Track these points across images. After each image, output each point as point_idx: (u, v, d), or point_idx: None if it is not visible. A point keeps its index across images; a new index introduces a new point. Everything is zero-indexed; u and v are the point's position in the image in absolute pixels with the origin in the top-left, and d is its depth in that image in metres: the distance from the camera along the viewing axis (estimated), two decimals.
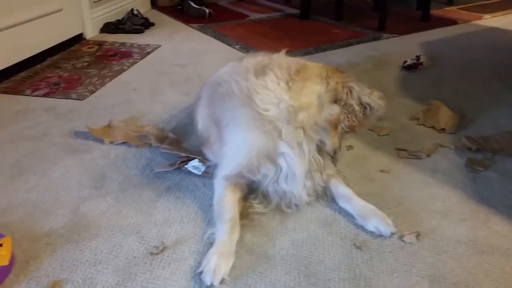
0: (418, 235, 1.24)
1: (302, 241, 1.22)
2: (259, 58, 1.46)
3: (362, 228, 1.27)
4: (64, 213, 1.34)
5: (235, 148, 1.33)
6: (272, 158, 1.29)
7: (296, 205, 1.33)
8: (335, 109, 1.30)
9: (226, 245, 1.16)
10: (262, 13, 3.95)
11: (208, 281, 1.08)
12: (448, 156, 1.64)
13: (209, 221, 1.29)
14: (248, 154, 1.28)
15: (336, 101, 1.31)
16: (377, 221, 1.25)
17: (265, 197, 1.36)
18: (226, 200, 1.28)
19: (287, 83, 1.32)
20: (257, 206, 1.33)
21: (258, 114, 1.28)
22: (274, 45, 2.97)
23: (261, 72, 1.35)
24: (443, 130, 1.81)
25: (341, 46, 2.97)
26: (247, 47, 2.91)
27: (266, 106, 1.28)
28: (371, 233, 1.25)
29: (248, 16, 3.84)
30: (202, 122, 1.56)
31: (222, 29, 3.37)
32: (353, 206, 1.32)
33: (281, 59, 1.41)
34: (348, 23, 3.59)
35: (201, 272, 1.10)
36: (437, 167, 1.57)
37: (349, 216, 1.32)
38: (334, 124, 1.30)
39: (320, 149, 1.34)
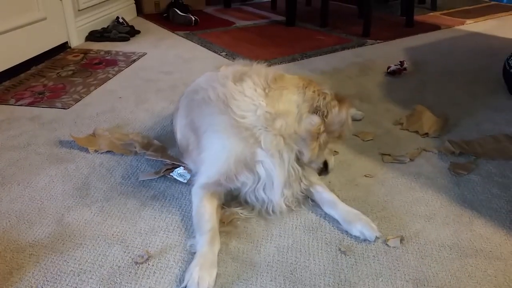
0: (402, 239, 1.25)
1: (287, 247, 1.23)
2: (237, 67, 1.47)
3: (347, 233, 1.28)
4: (49, 223, 1.33)
5: (213, 155, 1.33)
6: (249, 166, 1.29)
7: (277, 212, 1.34)
8: (315, 119, 1.31)
9: (207, 256, 1.14)
10: (248, 20, 3.97)
11: None
12: (432, 160, 1.66)
13: (194, 230, 1.29)
14: (226, 161, 1.28)
15: (315, 111, 1.32)
16: (361, 226, 1.26)
17: (247, 204, 1.36)
18: (204, 211, 1.27)
19: (264, 89, 1.32)
20: (240, 212, 1.33)
21: (235, 121, 1.28)
22: (259, 52, 2.99)
23: (239, 78, 1.35)
24: (426, 134, 1.83)
25: (326, 53, 2.99)
26: (233, 54, 2.92)
27: (243, 113, 1.28)
28: (356, 238, 1.26)
29: (234, 23, 3.86)
30: (180, 132, 1.55)
31: (208, 36, 3.38)
32: (337, 212, 1.33)
33: (260, 68, 1.42)
34: (333, 29, 3.63)
35: (185, 287, 1.09)
36: (421, 171, 1.59)
37: (334, 222, 1.33)
38: (315, 135, 1.31)
39: (298, 158, 1.34)
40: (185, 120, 1.51)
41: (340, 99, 1.37)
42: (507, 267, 1.17)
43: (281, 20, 3.92)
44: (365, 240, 1.25)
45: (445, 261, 1.19)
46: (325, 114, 1.32)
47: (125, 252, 1.21)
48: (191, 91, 1.53)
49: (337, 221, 1.32)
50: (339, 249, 1.22)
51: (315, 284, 1.11)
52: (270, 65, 2.70)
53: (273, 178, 1.30)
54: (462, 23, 3.89)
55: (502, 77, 2.37)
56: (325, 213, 1.36)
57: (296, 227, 1.31)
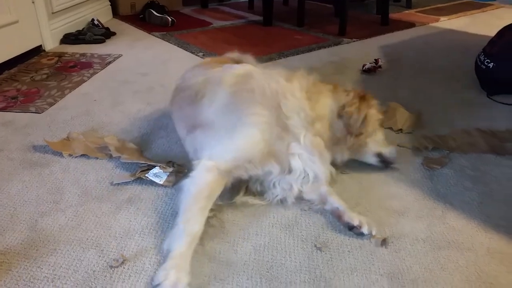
0: (384, 240, 1.25)
1: (264, 246, 1.23)
2: (226, 59, 1.60)
3: (322, 229, 1.29)
4: (22, 229, 1.30)
5: (245, 141, 1.35)
6: (280, 157, 1.36)
7: (291, 202, 1.40)
8: (340, 125, 1.45)
9: (185, 258, 1.13)
10: (225, 20, 3.97)
11: None
12: (406, 155, 1.69)
13: (178, 216, 1.28)
14: (258, 148, 1.33)
15: (341, 114, 1.45)
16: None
17: (257, 193, 1.42)
18: (199, 206, 1.23)
19: (307, 92, 1.43)
20: (250, 201, 1.39)
21: (278, 119, 1.36)
22: (237, 52, 2.99)
23: (289, 78, 1.46)
24: (400, 130, 1.86)
25: (303, 52, 3.01)
26: (210, 54, 2.91)
27: (289, 114, 1.38)
28: (331, 234, 1.27)
29: (211, 23, 3.85)
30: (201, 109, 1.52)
31: (185, 37, 3.36)
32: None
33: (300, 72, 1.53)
34: (310, 29, 3.65)
35: (157, 285, 1.07)
36: (395, 166, 1.61)
37: (310, 218, 1.34)
38: (343, 139, 1.45)
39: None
40: (219, 102, 1.47)
41: (361, 97, 1.49)
42: (478, 258, 1.20)
43: (258, 20, 3.93)
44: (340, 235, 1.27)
45: (419, 254, 1.21)
46: (348, 115, 1.44)
47: (100, 256, 1.20)
48: (207, 80, 1.57)
49: (314, 217, 1.34)
50: (315, 246, 1.23)
51: (291, 281, 1.11)
52: None
53: (316, 172, 1.39)
54: (437, 20, 3.97)
55: (475, 73, 2.42)
56: (301, 210, 1.37)
57: (272, 225, 1.31)
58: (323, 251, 1.21)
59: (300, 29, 3.64)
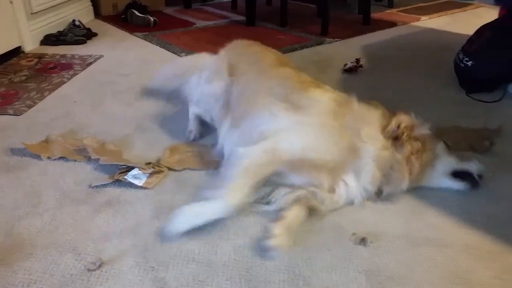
0: (363, 239, 1.25)
1: (243, 246, 1.23)
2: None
3: (302, 228, 1.29)
4: None
5: (321, 142, 1.36)
6: (336, 177, 1.35)
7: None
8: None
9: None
10: (209, 20, 3.95)
11: None
12: None
13: (150, 233, 1.27)
14: (329, 156, 1.33)
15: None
16: None
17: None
18: (249, 180, 1.27)
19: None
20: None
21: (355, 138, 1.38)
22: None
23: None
24: None
25: (285, 52, 3.00)
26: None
27: (366, 140, 1.39)
28: (311, 232, 1.28)
29: (194, 23, 3.83)
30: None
31: (167, 37, 3.34)
32: None
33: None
34: (293, 29, 3.66)
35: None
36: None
37: None
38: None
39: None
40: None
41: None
42: (455, 254, 1.21)
43: (241, 20, 3.92)
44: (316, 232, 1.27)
45: (397, 251, 1.22)
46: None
47: (77, 260, 1.18)
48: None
49: None
50: (294, 244, 1.23)
51: (270, 280, 1.12)
52: None
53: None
54: (418, 20, 4.01)
55: (454, 71, 2.45)
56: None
57: (252, 225, 1.31)
58: (302, 250, 1.21)
59: (283, 29, 3.65)
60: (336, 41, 3.30)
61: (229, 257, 1.19)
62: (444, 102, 2.19)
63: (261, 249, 1.21)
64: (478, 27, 2.44)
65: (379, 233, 1.28)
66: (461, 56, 2.38)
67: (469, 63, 2.31)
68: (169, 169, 1.55)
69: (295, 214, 1.29)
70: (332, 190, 1.36)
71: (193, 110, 1.84)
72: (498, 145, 1.77)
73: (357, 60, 2.60)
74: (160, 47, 3.10)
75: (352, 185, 1.37)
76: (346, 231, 1.29)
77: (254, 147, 1.33)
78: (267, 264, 1.17)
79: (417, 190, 1.47)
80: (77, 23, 3.38)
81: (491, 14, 3.24)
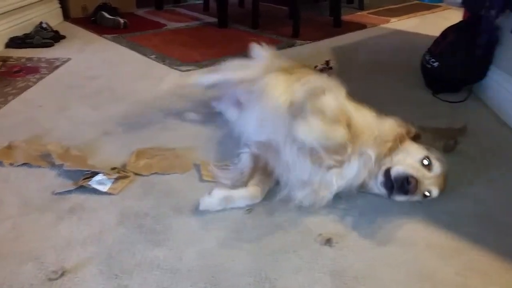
0: (328, 240, 1.26)
1: (209, 251, 1.22)
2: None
3: (269, 230, 1.30)
4: None
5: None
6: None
7: None
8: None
9: None
10: (180, 22, 3.93)
11: None
12: None
13: (115, 240, 1.25)
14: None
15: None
16: None
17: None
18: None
19: None
20: None
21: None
22: (191, 54, 2.97)
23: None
24: None
25: None
26: (163, 57, 2.88)
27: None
28: (278, 234, 1.28)
29: (165, 25, 3.80)
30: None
31: (137, 39, 3.30)
32: None
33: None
34: (265, 30, 3.67)
35: None
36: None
37: (257, 220, 1.34)
38: None
39: None
40: None
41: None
42: (418, 253, 1.24)
43: (213, 21, 3.91)
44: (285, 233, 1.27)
45: (362, 251, 1.23)
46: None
47: (38, 269, 1.15)
48: None
49: (263, 218, 1.35)
50: (260, 247, 1.23)
51: (235, 285, 1.11)
52: (201, 67, 2.70)
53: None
54: (387, 22, 4.08)
55: (421, 72, 2.50)
56: (249, 213, 1.37)
57: (219, 229, 1.30)
58: (268, 253, 1.21)
59: (255, 31, 3.66)
60: (307, 43, 3.32)
61: (194, 263, 1.18)
62: (411, 103, 2.23)
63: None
64: (445, 28, 2.49)
65: (344, 233, 1.30)
66: (427, 57, 2.44)
67: (435, 64, 2.36)
68: (136, 174, 1.53)
69: (245, 190, 1.40)
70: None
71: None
72: (462, 144, 1.81)
73: (327, 62, 2.63)
74: (130, 49, 3.06)
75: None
76: (312, 232, 1.29)
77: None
78: (233, 268, 1.16)
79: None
80: (44, 25, 3.30)
81: (457, 15, 3.32)
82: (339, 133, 1.34)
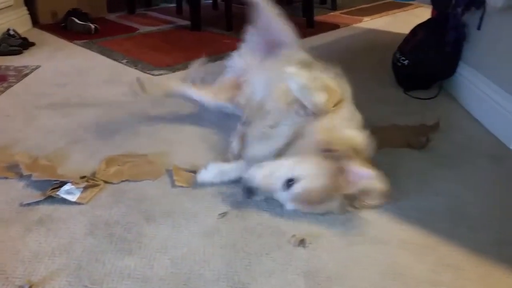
0: (302, 241, 1.26)
1: (182, 258, 1.20)
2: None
3: (242, 234, 1.29)
4: None
5: None
6: None
7: None
8: None
9: None
10: (153, 25, 3.88)
11: None
12: None
13: (84, 250, 1.22)
14: None
15: None
16: None
17: None
18: None
19: None
20: None
21: None
22: (163, 58, 2.94)
23: None
24: None
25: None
26: (135, 61, 2.84)
27: None
28: (251, 238, 1.27)
29: (137, 29, 3.75)
30: None
31: (108, 44, 3.25)
32: None
33: None
34: (238, 32, 3.65)
35: None
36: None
37: (231, 224, 1.33)
38: None
39: None
40: None
41: None
42: (390, 250, 1.25)
43: (186, 24, 3.88)
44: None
45: (335, 250, 1.24)
46: None
47: (4, 284, 1.11)
48: None
49: (237, 223, 1.33)
50: (234, 251, 1.22)
51: None
52: (173, 71, 2.68)
53: None
54: (360, 21, 4.12)
55: (392, 70, 2.53)
56: (223, 218, 1.36)
57: (192, 235, 1.29)
58: (242, 256, 1.20)
59: (229, 33, 3.64)
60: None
61: (166, 271, 1.16)
62: (383, 101, 2.26)
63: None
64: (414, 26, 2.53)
65: (317, 233, 1.30)
66: (398, 55, 2.47)
67: (406, 62, 2.39)
68: (106, 182, 1.50)
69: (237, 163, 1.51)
70: None
71: None
72: (434, 140, 1.83)
73: None
74: (101, 54, 3.01)
75: None
76: (285, 234, 1.29)
77: None
78: (206, 274, 1.15)
79: None
80: (12, 32, 3.22)
81: (429, 13, 3.37)
82: (322, 97, 1.42)
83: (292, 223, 1.34)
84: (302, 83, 1.40)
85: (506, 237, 1.31)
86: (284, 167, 1.33)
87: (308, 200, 1.32)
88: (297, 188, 1.30)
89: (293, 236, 1.27)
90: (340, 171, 1.30)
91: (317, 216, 1.37)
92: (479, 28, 2.11)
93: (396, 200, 1.45)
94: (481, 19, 2.09)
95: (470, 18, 2.22)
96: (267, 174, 1.33)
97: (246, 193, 1.38)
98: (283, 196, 1.34)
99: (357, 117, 1.55)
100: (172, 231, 1.30)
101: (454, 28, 2.22)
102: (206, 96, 1.96)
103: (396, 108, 2.18)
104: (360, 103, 2.20)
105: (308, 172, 1.31)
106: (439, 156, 1.75)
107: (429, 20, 2.59)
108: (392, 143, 1.81)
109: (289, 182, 1.31)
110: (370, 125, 1.92)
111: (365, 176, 1.28)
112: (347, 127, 1.45)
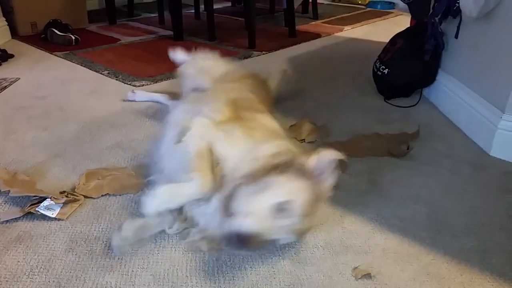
0: (367, 274, 1.20)
1: (164, 273, 1.18)
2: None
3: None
4: None
5: None
6: None
7: None
8: None
9: None
10: (134, 36, 3.86)
11: None
12: None
13: (64, 267, 1.19)
14: None
15: None
16: None
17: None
18: None
19: None
20: None
21: None
22: (145, 68, 2.93)
23: None
24: (303, 140, 1.91)
25: None
26: (116, 72, 2.81)
27: None
28: (230, 252, 1.26)
29: (119, 39, 3.72)
30: None
31: (89, 55, 3.22)
32: None
33: None
34: (221, 42, 3.67)
35: None
36: None
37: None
38: None
39: None
40: None
41: None
42: (374, 260, 1.25)
43: (169, 34, 3.87)
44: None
45: (318, 261, 1.23)
46: None
47: None
48: None
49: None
50: (217, 267, 1.21)
51: None
52: (156, 81, 2.66)
53: None
54: (341, 30, 4.17)
55: (373, 79, 2.56)
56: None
57: (174, 250, 1.27)
58: (226, 271, 1.19)
59: (212, 43, 3.65)
60: (263, 53, 3.34)
61: (148, 287, 1.14)
62: (364, 110, 2.28)
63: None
64: (393, 36, 2.57)
65: (301, 245, 1.29)
66: (377, 64, 2.50)
67: (386, 71, 2.42)
68: (86, 197, 1.48)
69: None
70: None
71: None
72: (415, 148, 1.85)
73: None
74: (82, 65, 2.98)
75: None
76: (268, 246, 1.28)
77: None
78: None
79: (335, 198, 1.49)
80: None
81: (408, 21, 3.43)
82: (193, 187, 1.23)
83: None
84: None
85: (489, 244, 1.32)
86: (264, 195, 1.15)
87: (307, 214, 1.17)
88: (295, 207, 1.14)
89: (355, 268, 1.21)
90: (306, 173, 1.20)
91: None
92: (456, 36, 2.16)
93: (378, 209, 1.46)
94: (458, 27, 2.13)
95: (448, 26, 2.27)
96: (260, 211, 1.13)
97: (239, 245, 1.13)
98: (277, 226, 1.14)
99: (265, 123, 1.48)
100: (154, 247, 1.28)
101: (432, 37, 2.25)
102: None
103: (377, 116, 2.20)
104: (340, 111, 2.24)
105: (288, 189, 1.17)
106: (420, 164, 1.76)
107: (407, 29, 2.63)
108: (374, 152, 1.82)
109: (282, 206, 1.13)
110: (352, 134, 1.96)
111: (325, 160, 1.22)
112: (265, 141, 1.33)
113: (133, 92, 2.38)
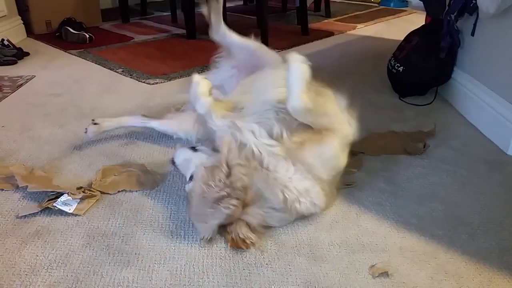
0: (384, 273, 1.20)
1: (181, 269, 1.19)
2: None
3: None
4: None
5: None
6: None
7: None
8: None
9: None
10: (148, 34, 3.88)
11: None
12: None
13: (82, 262, 1.21)
14: None
15: None
16: None
17: None
18: None
19: None
20: None
21: None
22: (158, 66, 2.94)
23: None
24: None
25: None
26: (130, 70, 2.83)
27: None
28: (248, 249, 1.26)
29: (132, 38, 3.75)
30: None
31: (103, 53, 3.24)
32: None
33: None
34: None
35: None
36: None
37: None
38: None
39: None
40: None
41: None
42: (391, 258, 1.24)
43: (181, 33, 3.88)
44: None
45: (335, 259, 1.23)
46: None
47: None
48: None
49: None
50: (233, 262, 1.21)
51: None
52: (169, 79, 2.67)
53: None
54: (354, 28, 4.14)
55: (387, 77, 2.54)
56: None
57: (190, 246, 1.28)
58: (242, 267, 1.19)
59: None
60: (276, 52, 3.33)
61: (165, 282, 1.14)
62: (379, 108, 2.26)
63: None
64: (408, 33, 2.55)
65: (317, 242, 1.29)
66: (392, 62, 2.48)
67: (401, 69, 2.40)
68: (102, 192, 1.49)
69: None
70: None
71: None
72: (431, 147, 1.84)
73: None
74: (96, 63, 3.00)
75: None
76: (285, 243, 1.28)
77: None
78: (206, 285, 1.14)
79: (350, 196, 1.50)
80: (6, 42, 3.20)
81: (422, 19, 3.40)
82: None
83: (291, 232, 1.33)
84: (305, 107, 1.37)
85: (507, 243, 1.30)
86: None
87: None
88: None
89: (372, 266, 1.21)
90: None
91: (316, 225, 1.36)
92: (473, 34, 2.13)
93: (394, 208, 1.45)
94: (475, 25, 2.10)
95: (464, 24, 2.24)
96: None
97: None
98: None
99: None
100: (170, 242, 1.29)
101: (448, 34, 2.23)
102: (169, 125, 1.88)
103: (392, 114, 2.19)
104: (356, 109, 2.22)
105: None
106: (437, 162, 1.75)
107: (423, 26, 2.61)
108: (389, 150, 1.81)
109: None
110: (367, 132, 1.95)
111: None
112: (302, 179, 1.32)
113: (94, 123, 1.82)
